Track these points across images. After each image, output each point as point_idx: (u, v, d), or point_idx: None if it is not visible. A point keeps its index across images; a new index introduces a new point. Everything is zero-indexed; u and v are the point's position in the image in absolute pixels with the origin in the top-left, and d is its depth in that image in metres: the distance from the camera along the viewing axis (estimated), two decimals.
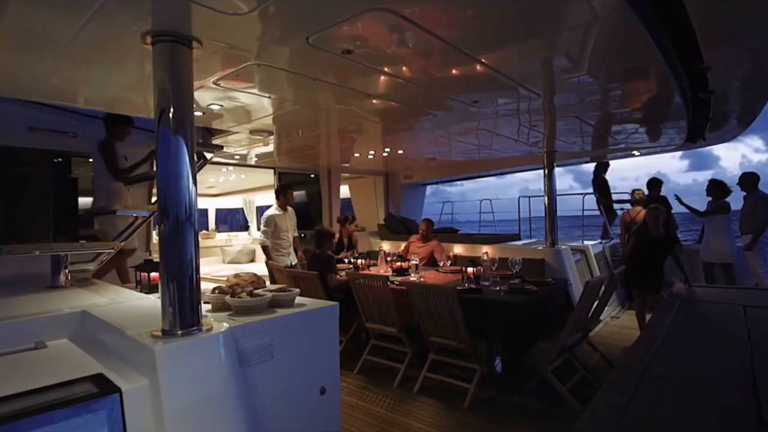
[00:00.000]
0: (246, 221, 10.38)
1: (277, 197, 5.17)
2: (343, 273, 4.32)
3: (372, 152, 5.78)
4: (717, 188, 5.28)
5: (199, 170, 2.12)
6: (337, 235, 6.15)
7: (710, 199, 5.35)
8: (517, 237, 6.39)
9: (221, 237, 10.05)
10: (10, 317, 1.73)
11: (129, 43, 1.72)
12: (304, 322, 1.87)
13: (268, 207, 5.33)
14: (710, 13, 1.99)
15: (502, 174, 8.93)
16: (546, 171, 5.24)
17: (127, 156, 4.43)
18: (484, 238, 6.05)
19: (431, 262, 5.32)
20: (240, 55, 2.05)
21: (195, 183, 1.56)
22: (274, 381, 1.71)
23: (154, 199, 3.60)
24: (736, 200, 5.30)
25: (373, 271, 4.78)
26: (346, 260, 5.46)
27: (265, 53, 2.06)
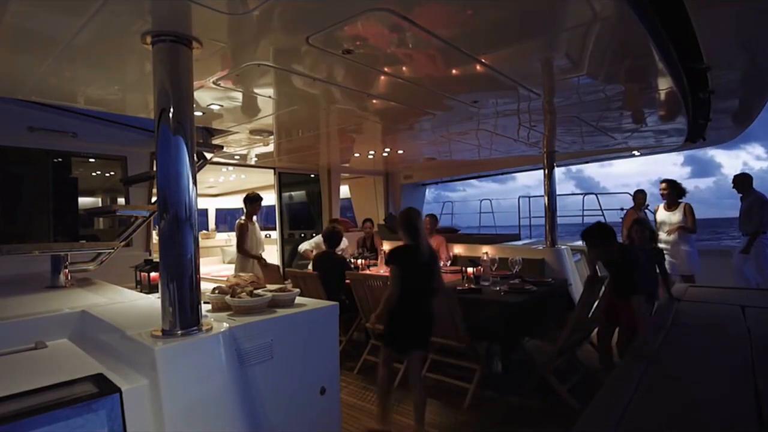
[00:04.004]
0: None
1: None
2: None
3: (372, 152, 5.78)
4: (675, 188, 5.00)
5: (199, 170, 2.12)
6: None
7: (664, 201, 5.07)
8: (517, 237, 6.39)
9: (221, 237, 10.05)
10: (10, 317, 1.73)
11: (129, 43, 1.72)
12: (304, 322, 1.87)
13: (269, 207, 5.33)
14: (710, 13, 1.99)
15: (503, 174, 8.93)
16: (546, 171, 5.25)
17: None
18: (484, 238, 6.05)
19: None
20: (240, 55, 2.05)
21: (195, 183, 1.56)
22: (274, 381, 1.71)
23: (153, 199, 3.60)
24: (732, 201, 5.18)
25: (373, 271, 4.77)
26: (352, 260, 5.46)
27: (265, 53, 2.06)
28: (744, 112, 3.98)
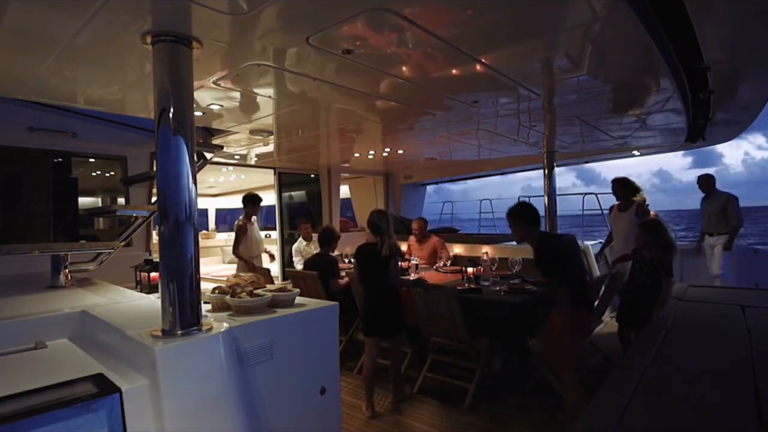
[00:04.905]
0: None
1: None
2: (343, 273, 4.32)
3: (372, 152, 5.78)
4: (625, 187, 4.59)
5: (199, 170, 2.12)
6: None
7: (618, 202, 4.66)
8: None
9: (221, 237, 10.05)
10: (10, 317, 1.73)
11: (129, 43, 1.72)
12: (304, 322, 1.87)
13: (269, 207, 5.33)
14: (710, 13, 1.99)
15: (503, 174, 8.94)
16: (546, 171, 5.25)
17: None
18: (484, 238, 6.05)
19: (434, 261, 5.30)
20: (240, 55, 2.05)
21: (195, 183, 1.56)
22: (274, 381, 1.71)
23: (153, 199, 3.60)
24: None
25: None
26: (346, 260, 5.46)
27: (265, 53, 2.06)
28: (744, 111, 3.98)
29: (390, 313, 3.16)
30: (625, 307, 3.40)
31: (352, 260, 5.25)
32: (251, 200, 5.08)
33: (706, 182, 5.14)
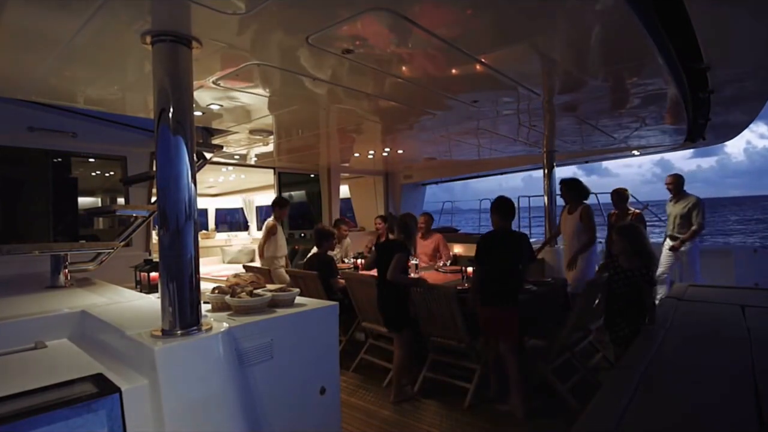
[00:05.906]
0: (246, 221, 10.38)
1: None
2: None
3: (372, 152, 5.78)
4: (571, 190, 4.37)
5: (199, 170, 2.12)
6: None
7: (567, 204, 4.49)
8: None
9: (221, 237, 10.05)
10: (10, 317, 1.73)
11: (129, 43, 1.73)
12: (304, 322, 1.87)
13: (269, 206, 5.54)
14: (710, 13, 1.99)
15: (503, 174, 8.95)
16: (546, 171, 5.25)
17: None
18: None
19: (435, 258, 5.30)
20: (240, 55, 2.05)
21: (195, 183, 1.56)
22: (274, 381, 1.71)
23: (153, 199, 3.60)
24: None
25: (373, 271, 4.75)
26: (345, 260, 5.46)
27: (265, 53, 2.06)
28: (744, 110, 3.98)
29: (397, 305, 3.31)
30: (604, 321, 3.07)
31: (352, 260, 5.28)
32: (279, 203, 5.40)
33: (675, 182, 5.02)
